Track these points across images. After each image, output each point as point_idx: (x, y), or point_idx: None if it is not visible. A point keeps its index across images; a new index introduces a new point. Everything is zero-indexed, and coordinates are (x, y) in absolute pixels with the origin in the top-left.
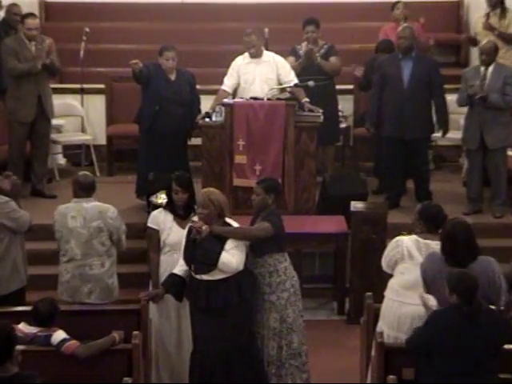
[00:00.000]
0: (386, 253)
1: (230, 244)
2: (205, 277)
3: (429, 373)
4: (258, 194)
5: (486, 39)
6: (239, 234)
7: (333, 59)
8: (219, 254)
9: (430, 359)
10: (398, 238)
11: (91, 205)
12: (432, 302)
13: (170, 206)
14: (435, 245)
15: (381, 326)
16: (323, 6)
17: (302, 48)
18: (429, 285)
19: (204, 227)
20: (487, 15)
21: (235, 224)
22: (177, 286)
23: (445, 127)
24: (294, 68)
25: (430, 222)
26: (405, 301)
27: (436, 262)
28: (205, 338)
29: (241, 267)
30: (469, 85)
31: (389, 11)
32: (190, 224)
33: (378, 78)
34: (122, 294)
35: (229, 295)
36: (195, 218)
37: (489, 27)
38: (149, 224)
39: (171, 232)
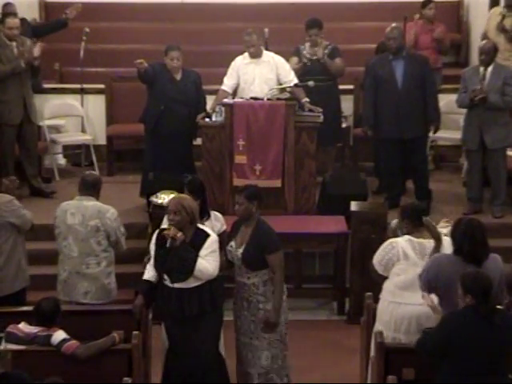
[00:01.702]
0: (379, 256)
1: (204, 251)
2: (177, 285)
3: (443, 374)
4: (241, 204)
5: (496, 38)
6: (282, 287)
7: (337, 60)
8: (195, 261)
9: (445, 360)
10: (391, 239)
11: (92, 204)
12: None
13: None
14: (427, 243)
15: (378, 327)
16: (323, 6)
17: (306, 48)
18: (441, 288)
19: (179, 234)
20: (503, 16)
21: (208, 229)
22: (149, 292)
23: (437, 123)
24: (296, 69)
25: (413, 218)
26: (401, 301)
27: (449, 264)
28: (178, 342)
29: (216, 273)
30: (470, 89)
31: (390, 11)
32: (164, 232)
33: (371, 80)
34: (122, 294)
35: (203, 303)
36: (165, 225)
37: (501, 29)
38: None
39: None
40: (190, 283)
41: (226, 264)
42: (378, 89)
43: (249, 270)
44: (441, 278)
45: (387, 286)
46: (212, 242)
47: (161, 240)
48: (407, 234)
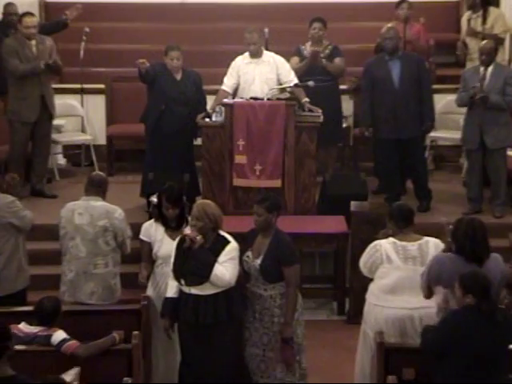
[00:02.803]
0: (365, 258)
1: (223, 257)
2: (194, 291)
3: (444, 373)
4: (261, 215)
5: (473, 42)
6: (294, 300)
7: (337, 60)
8: (212, 266)
9: (445, 359)
10: (376, 242)
11: (99, 204)
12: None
13: (161, 219)
14: (411, 246)
15: (365, 328)
16: (323, 6)
17: (307, 48)
18: (444, 287)
19: (198, 237)
20: (468, 21)
21: (229, 237)
22: (175, 311)
23: (430, 123)
24: (298, 69)
25: (398, 219)
26: (385, 305)
27: (450, 264)
28: (193, 352)
29: (233, 282)
30: (470, 87)
31: (389, 11)
32: (183, 233)
33: (368, 80)
34: (123, 294)
35: (218, 311)
36: (187, 230)
37: (471, 33)
38: (140, 236)
39: (162, 244)
40: (207, 290)
41: (243, 275)
42: (375, 89)
43: (266, 282)
44: (442, 278)
45: (372, 288)
46: (232, 250)
47: (181, 244)
48: (392, 235)
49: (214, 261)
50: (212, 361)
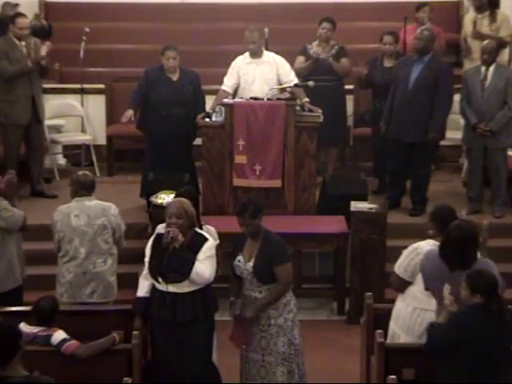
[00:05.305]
0: (405, 261)
1: (202, 254)
2: (171, 288)
3: (449, 372)
4: (248, 225)
5: (474, 42)
6: (278, 295)
7: (343, 60)
8: (193, 263)
9: (451, 359)
10: (415, 244)
11: (94, 203)
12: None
13: None
14: None
15: (395, 331)
16: (324, 6)
17: (313, 47)
18: (427, 283)
19: (179, 236)
20: (474, 23)
21: (206, 234)
22: (147, 310)
23: (433, 134)
24: (302, 69)
25: (442, 223)
26: (428, 308)
27: (435, 260)
28: (166, 350)
29: (212, 279)
30: (471, 89)
31: (392, 11)
32: (163, 231)
33: (394, 78)
34: (122, 294)
35: (196, 310)
36: (160, 228)
37: (478, 35)
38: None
39: None
40: (184, 288)
41: (236, 280)
42: (396, 88)
43: (260, 284)
44: (426, 273)
45: (413, 291)
46: (210, 247)
47: (156, 243)
48: (432, 237)
49: (194, 258)
50: (185, 359)
